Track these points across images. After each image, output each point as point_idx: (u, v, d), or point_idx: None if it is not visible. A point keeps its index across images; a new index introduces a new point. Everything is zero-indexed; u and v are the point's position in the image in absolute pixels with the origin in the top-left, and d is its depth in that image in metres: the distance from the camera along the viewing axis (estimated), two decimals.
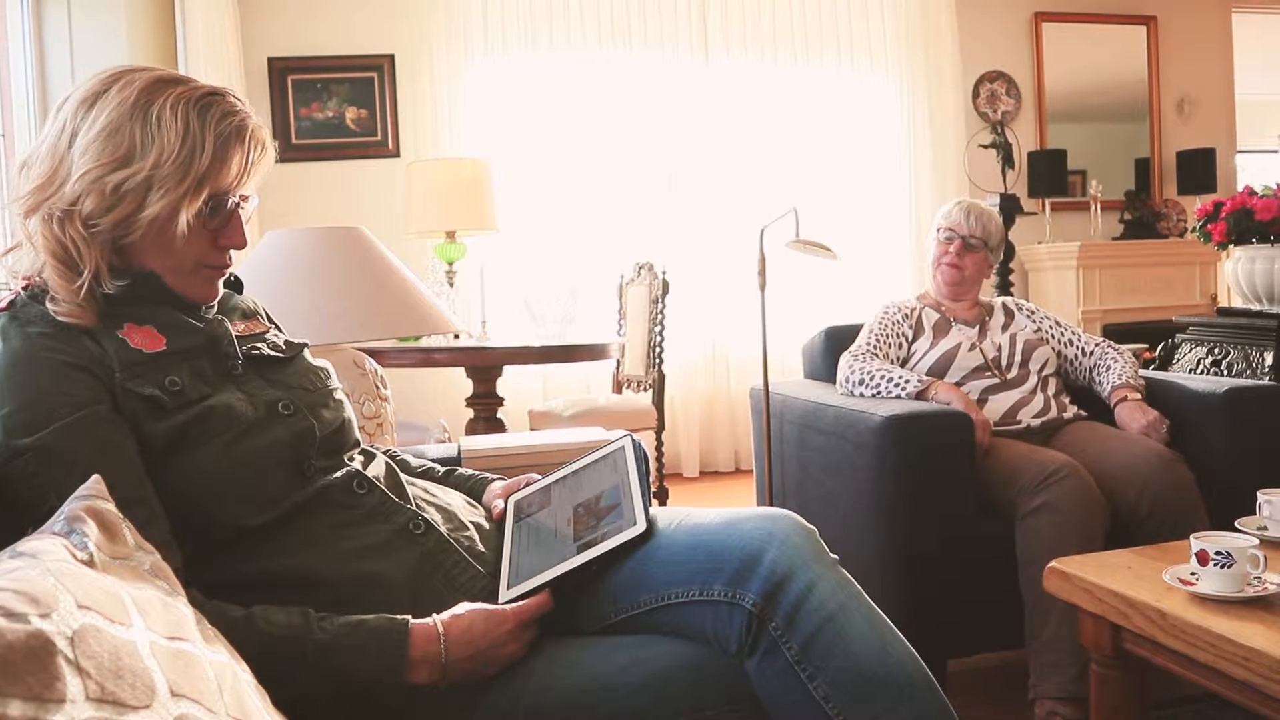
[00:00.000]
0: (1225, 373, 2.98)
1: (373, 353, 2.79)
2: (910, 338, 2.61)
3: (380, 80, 4.69)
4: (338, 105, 4.68)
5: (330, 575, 1.15)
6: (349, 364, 2.16)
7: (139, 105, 1.13)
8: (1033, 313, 2.71)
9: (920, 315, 2.64)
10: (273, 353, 1.30)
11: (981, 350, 2.54)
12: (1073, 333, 2.69)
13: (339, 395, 1.34)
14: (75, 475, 0.94)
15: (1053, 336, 2.66)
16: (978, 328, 2.61)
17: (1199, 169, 5.55)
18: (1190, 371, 3.10)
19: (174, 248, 1.17)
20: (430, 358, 3.35)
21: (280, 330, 1.41)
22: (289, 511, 1.16)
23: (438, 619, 1.11)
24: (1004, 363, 2.54)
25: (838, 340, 2.78)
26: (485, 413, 3.55)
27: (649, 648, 1.16)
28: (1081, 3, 5.56)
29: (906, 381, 2.40)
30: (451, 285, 3.82)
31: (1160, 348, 3.32)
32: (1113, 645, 1.63)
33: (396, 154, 4.68)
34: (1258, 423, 2.43)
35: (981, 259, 2.67)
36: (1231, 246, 3.15)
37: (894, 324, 2.62)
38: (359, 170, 4.67)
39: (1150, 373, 2.72)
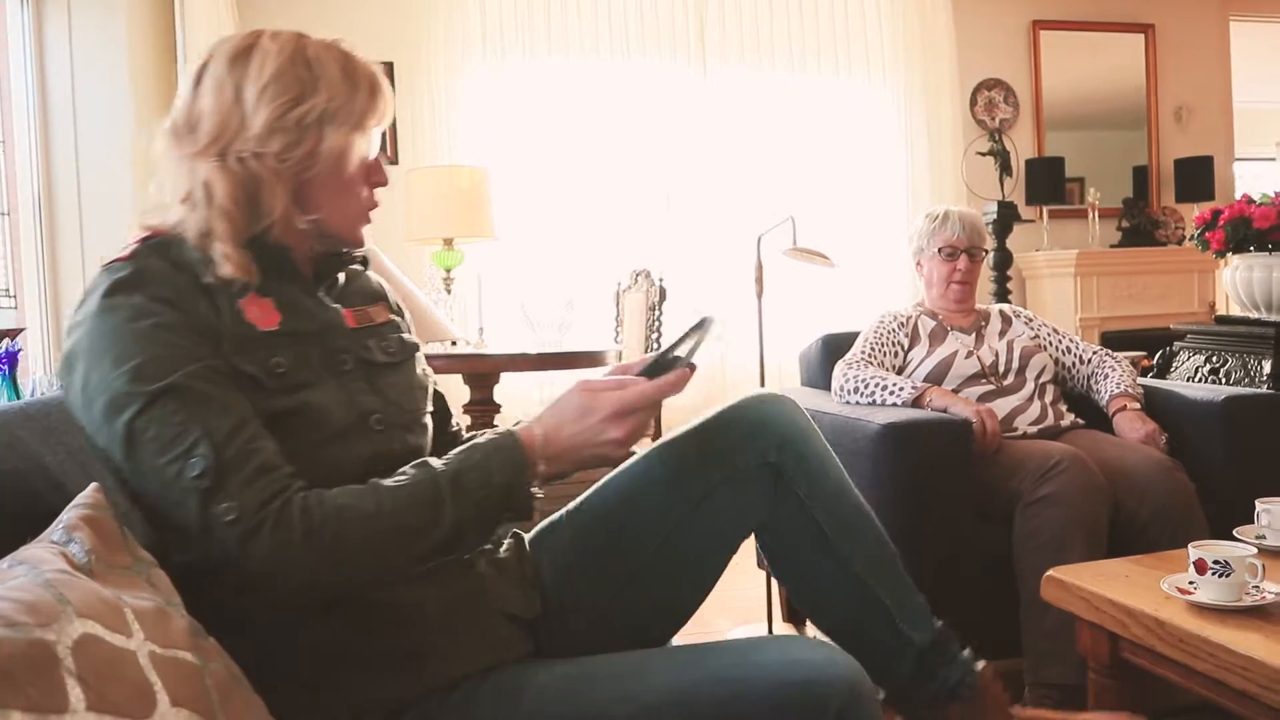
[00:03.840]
0: (1224, 381, 2.98)
1: None
2: (906, 346, 2.61)
3: None
4: None
5: (364, 594, 1.13)
6: None
7: (296, 51, 1.20)
8: (1030, 320, 2.72)
9: (916, 323, 2.64)
10: (384, 358, 1.28)
11: (978, 357, 2.54)
12: (1070, 340, 2.69)
13: (426, 420, 1.32)
14: (214, 409, 1.03)
15: (1050, 344, 2.66)
16: (974, 335, 2.62)
17: (1197, 177, 5.56)
18: (1188, 380, 3.11)
19: (347, 185, 1.23)
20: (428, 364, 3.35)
21: (402, 317, 1.40)
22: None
23: (531, 421, 1.17)
24: (1001, 369, 2.54)
25: (835, 348, 2.78)
26: (482, 419, 3.55)
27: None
28: (1079, 11, 5.58)
29: (901, 388, 2.40)
30: (449, 293, 3.82)
31: (1158, 356, 3.33)
32: (1111, 654, 1.63)
33: (395, 161, 4.68)
34: (1256, 431, 2.43)
35: (980, 264, 2.68)
36: (1230, 254, 3.16)
37: (889, 332, 2.62)
38: None
39: (1148, 381, 2.73)
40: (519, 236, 4.61)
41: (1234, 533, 1.80)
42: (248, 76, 1.17)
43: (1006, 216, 4.75)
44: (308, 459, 1.11)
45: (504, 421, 3.50)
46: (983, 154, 5.24)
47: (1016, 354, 2.56)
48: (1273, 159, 8.86)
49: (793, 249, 2.77)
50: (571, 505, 1.41)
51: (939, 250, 2.66)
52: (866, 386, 2.45)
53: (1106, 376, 2.57)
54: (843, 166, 5.07)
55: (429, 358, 3.37)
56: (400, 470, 1.12)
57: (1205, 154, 5.61)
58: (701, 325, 1.24)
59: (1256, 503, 1.82)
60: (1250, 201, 3.07)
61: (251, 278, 1.15)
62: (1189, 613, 1.47)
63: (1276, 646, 1.32)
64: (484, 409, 3.56)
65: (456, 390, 3.80)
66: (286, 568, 1.01)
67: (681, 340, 1.23)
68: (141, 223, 1.19)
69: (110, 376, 1.04)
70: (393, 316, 1.36)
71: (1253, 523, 1.82)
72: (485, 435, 1.18)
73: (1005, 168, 5.15)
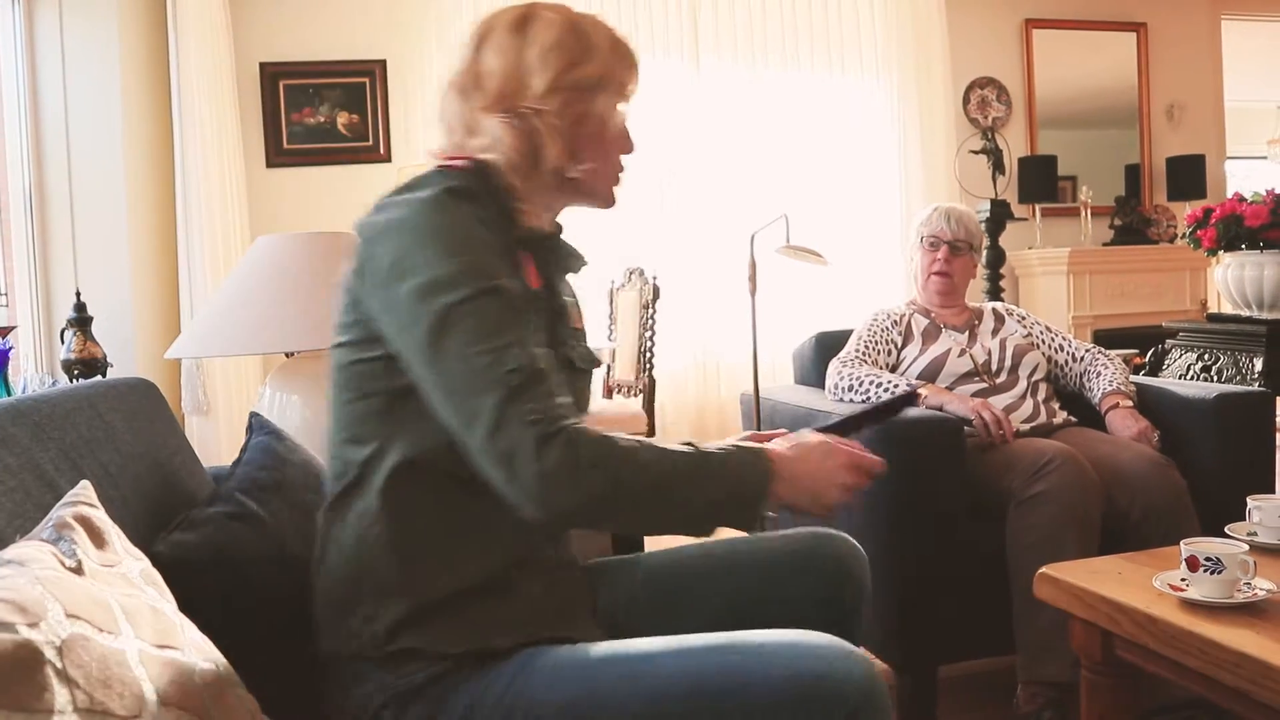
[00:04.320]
0: (1215, 378, 2.99)
1: None
2: (899, 344, 2.61)
3: (372, 85, 4.68)
4: (329, 110, 4.67)
5: (486, 564, 1.20)
6: None
7: (571, 22, 1.30)
8: (1023, 318, 2.72)
9: (910, 321, 2.64)
10: (580, 363, 1.37)
11: (971, 355, 2.54)
12: (1063, 339, 2.69)
13: None
14: (525, 324, 1.15)
15: (1043, 342, 2.67)
16: (967, 333, 2.62)
17: (1189, 175, 5.57)
18: (1180, 377, 3.12)
19: (607, 148, 1.36)
20: None
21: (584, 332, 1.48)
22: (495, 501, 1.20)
23: (774, 445, 1.25)
24: (993, 368, 2.54)
25: (828, 346, 2.78)
26: None
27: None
28: (1072, 9, 5.58)
29: (895, 386, 2.40)
30: None
31: (1150, 353, 3.34)
32: (1103, 651, 1.63)
33: (388, 159, 4.67)
34: (1247, 428, 2.43)
35: (968, 261, 2.68)
36: (1221, 253, 3.17)
37: (883, 330, 2.63)
38: (351, 176, 4.66)
39: (1140, 379, 2.73)
40: None
41: (1226, 530, 1.80)
42: (529, 41, 1.27)
43: (999, 215, 4.76)
44: None
45: None
46: (975, 152, 5.24)
47: (1009, 352, 2.57)
48: (1264, 157, 8.89)
49: (786, 247, 2.77)
50: (645, 554, 1.49)
51: (921, 239, 2.67)
52: (861, 384, 2.45)
53: (1099, 374, 2.57)
54: (836, 164, 5.07)
55: None
56: (661, 441, 1.20)
57: (1197, 152, 5.62)
58: (907, 399, 1.50)
59: (1248, 500, 1.82)
60: (1242, 200, 3.09)
61: (549, 227, 1.34)
62: (1181, 609, 1.47)
63: (1268, 643, 1.33)
64: None
65: None
66: (566, 484, 1.07)
67: (880, 410, 1.39)
68: (443, 153, 1.30)
69: (437, 260, 1.12)
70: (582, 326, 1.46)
71: (1244, 520, 1.83)
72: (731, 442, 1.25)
73: (998, 166, 5.15)
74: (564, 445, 1.07)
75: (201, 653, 0.79)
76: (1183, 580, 1.50)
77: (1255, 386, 2.79)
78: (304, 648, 1.24)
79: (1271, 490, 2.47)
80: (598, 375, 4.41)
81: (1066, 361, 2.65)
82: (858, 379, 2.46)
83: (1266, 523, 1.77)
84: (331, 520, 1.22)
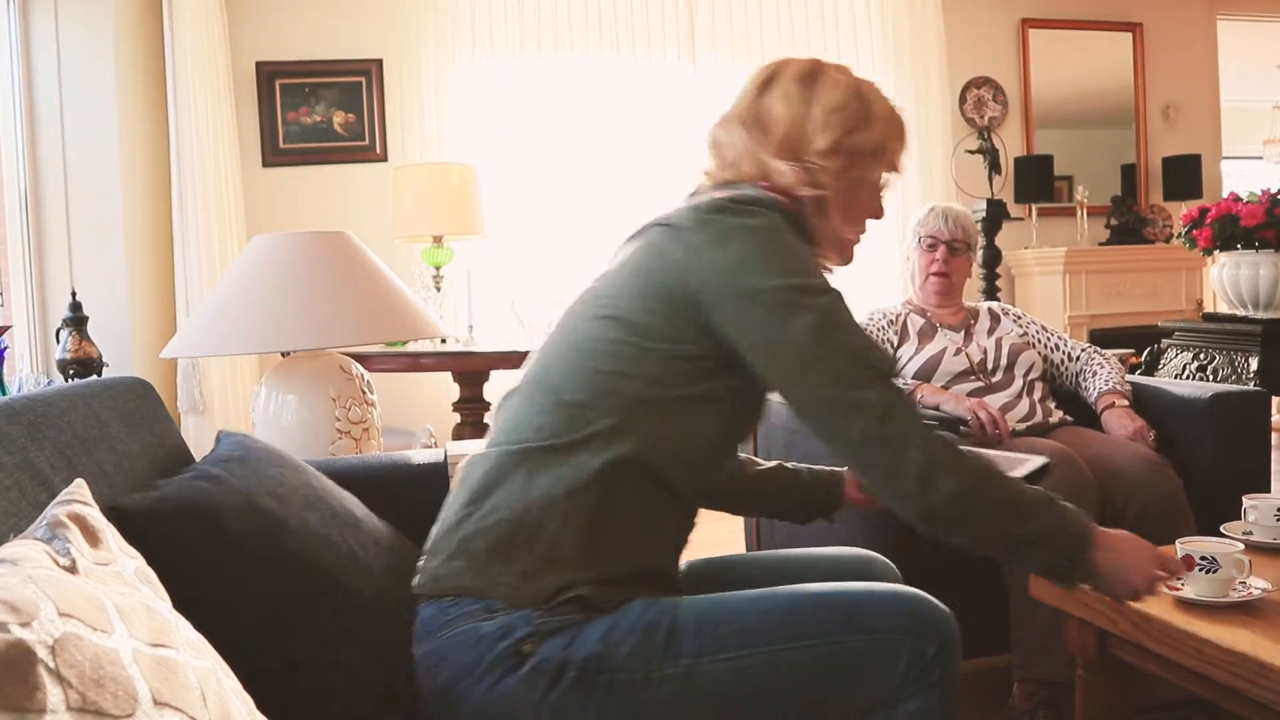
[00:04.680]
0: (1211, 378, 3.00)
1: (359, 358, 2.79)
2: (895, 343, 2.61)
3: (368, 85, 4.68)
4: (325, 110, 4.67)
5: (654, 556, 1.29)
6: (335, 368, 2.15)
7: (856, 86, 1.37)
8: (1019, 318, 2.72)
9: (905, 321, 2.64)
10: None
11: (967, 354, 2.54)
12: (1059, 338, 2.69)
13: None
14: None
15: (1039, 341, 2.67)
16: (963, 332, 2.62)
17: (1185, 175, 5.58)
18: (1176, 377, 3.12)
19: (862, 214, 1.42)
20: (417, 362, 3.35)
21: None
22: (678, 504, 1.30)
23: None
24: (989, 366, 2.54)
25: None
26: (472, 417, 3.55)
27: None
28: (1068, 9, 5.59)
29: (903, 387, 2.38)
30: (438, 290, 3.82)
31: (1146, 353, 3.34)
32: (1099, 650, 1.63)
33: (384, 158, 4.67)
34: (1243, 427, 2.44)
35: (965, 261, 2.67)
36: (1217, 252, 3.18)
37: (879, 330, 2.62)
38: (347, 175, 4.66)
39: (1136, 378, 2.73)
40: (509, 234, 4.60)
41: (1221, 529, 1.81)
42: (816, 97, 1.34)
43: (995, 214, 4.76)
44: (724, 431, 1.32)
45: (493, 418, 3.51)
46: (972, 152, 5.24)
47: (1005, 351, 2.57)
48: (1260, 157, 8.90)
49: None
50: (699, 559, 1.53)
51: (919, 239, 2.66)
52: None
53: (1095, 374, 2.57)
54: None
55: (419, 355, 3.37)
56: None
57: (1193, 152, 5.63)
58: (1042, 471, 1.60)
59: (1244, 499, 1.82)
60: (1237, 200, 3.09)
61: (843, 262, 1.42)
62: (1176, 609, 1.47)
63: (1263, 641, 1.33)
64: (473, 406, 3.55)
65: (446, 388, 3.80)
66: (949, 473, 1.16)
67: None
68: (723, 177, 1.40)
69: (801, 268, 1.24)
70: None
71: (1240, 519, 1.83)
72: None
73: (994, 166, 5.15)
74: (941, 440, 1.18)
75: (196, 651, 0.79)
76: (1178, 580, 1.50)
77: (1251, 386, 2.79)
78: (280, 603, 1.22)
79: (1267, 489, 2.47)
80: None
81: (1062, 361, 2.65)
82: None
83: (1262, 521, 1.78)
84: (521, 466, 1.23)
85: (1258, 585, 1.49)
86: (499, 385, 3.98)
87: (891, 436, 1.16)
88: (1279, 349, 2.85)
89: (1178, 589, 1.49)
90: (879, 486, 1.19)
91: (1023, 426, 2.43)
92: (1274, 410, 2.70)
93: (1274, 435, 2.62)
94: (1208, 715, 2.03)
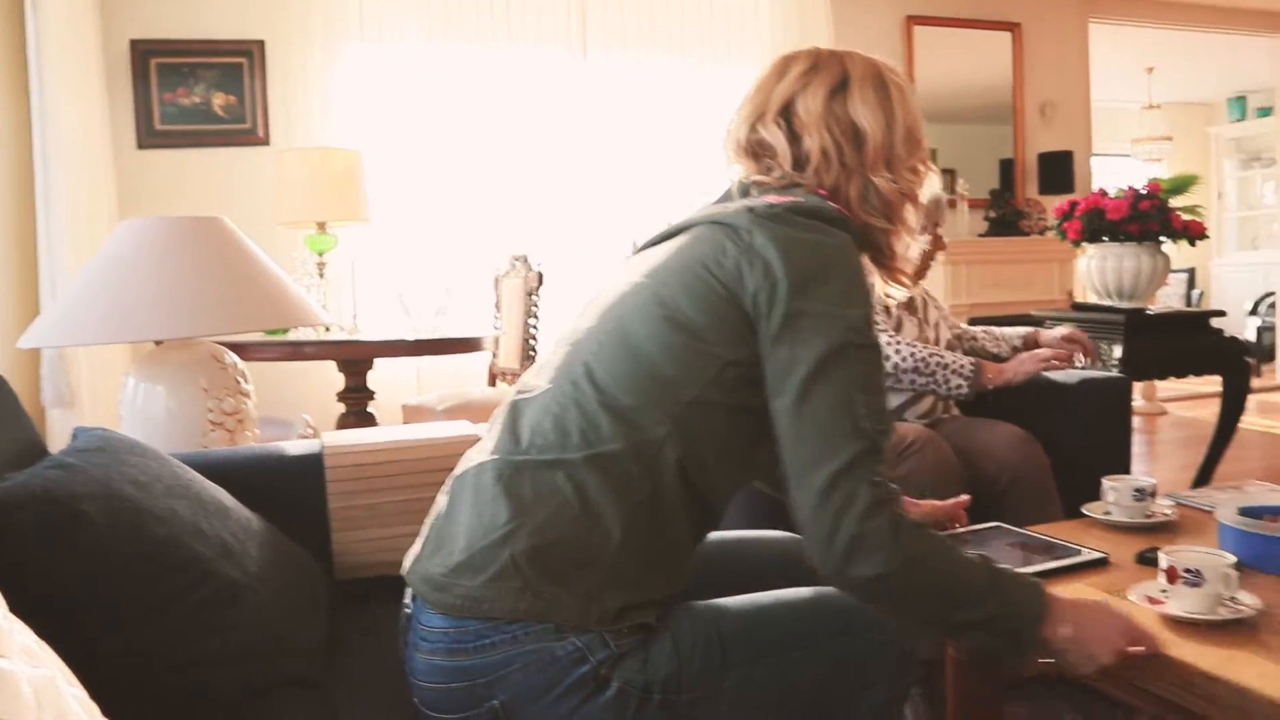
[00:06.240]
0: (1080, 364, 3.11)
1: (238, 346, 2.70)
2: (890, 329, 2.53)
3: (250, 66, 4.53)
4: (205, 91, 4.50)
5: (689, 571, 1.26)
6: (207, 358, 2.08)
7: (909, 93, 1.37)
8: (938, 304, 2.78)
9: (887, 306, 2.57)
10: None
11: (926, 340, 2.59)
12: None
13: None
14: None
15: (946, 319, 2.76)
16: (917, 320, 2.64)
17: (1059, 170, 5.79)
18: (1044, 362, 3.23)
19: (917, 229, 1.44)
20: (299, 351, 3.26)
21: None
22: (726, 504, 1.29)
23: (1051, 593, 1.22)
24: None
25: None
26: (356, 406, 3.47)
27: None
28: (951, 8, 5.73)
29: (962, 368, 2.34)
30: (322, 277, 3.73)
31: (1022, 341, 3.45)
32: None
33: (266, 142, 4.53)
34: (1107, 411, 2.56)
35: None
36: (1086, 244, 3.30)
37: (874, 300, 2.54)
38: (227, 158, 4.50)
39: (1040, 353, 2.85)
40: (395, 221, 4.52)
41: (1083, 509, 1.88)
42: (895, 113, 1.33)
43: None
44: (754, 445, 1.23)
45: (378, 409, 3.45)
46: None
47: (943, 340, 2.64)
48: (1128, 155, 9.29)
49: None
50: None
51: (935, 226, 2.56)
52: (927, 366, 2.35)
53: (999, 333, 2.73)
54: (722, 154, 5.09)
55: (301, 344, 3.28)
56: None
57: (1066, 149, 5.85)
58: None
59: (1104, 480, 1.89)
60: (1105, 195, 3.22)
61: (916, 280, 1.40)
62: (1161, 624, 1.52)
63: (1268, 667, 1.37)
64: (358, 396, 3.48)
65: (330, 377, 3.71)
66: (873, 556, 1.08)
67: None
68: (778, 181, 1.33)
69: (851, 297, 1.18)
70: None
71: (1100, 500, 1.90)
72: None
73: None
74: (890, 519, 1.09)
75: (32, 659, 0.75)
76: (1163, 592, 1.39)
77: (1114, 372, 2.91)
78: (147, 596, 1.18)
79: (1127, 470, 2.60)
80: (482, 363, 4.38)
81: (960, 336, 2.76)
82: (923, 360, 2.35)
83: (1121, 502, 1.85)
84: (570, 477, 1.15)
85: (1246, 602, 1.37)
86: (384, 373, 3.93)
87: (843, 497, 1.09)
88: (1141, 337, 2.98)
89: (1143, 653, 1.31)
90: (808, 537, 1.12)
91: (925, 422, 2.50)
92: (1135, 395, 2.82)
93: (1135, 419, 2.75)
94: (1072, 689, 2.12)
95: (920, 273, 2.60)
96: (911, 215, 1.36)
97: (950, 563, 1.15)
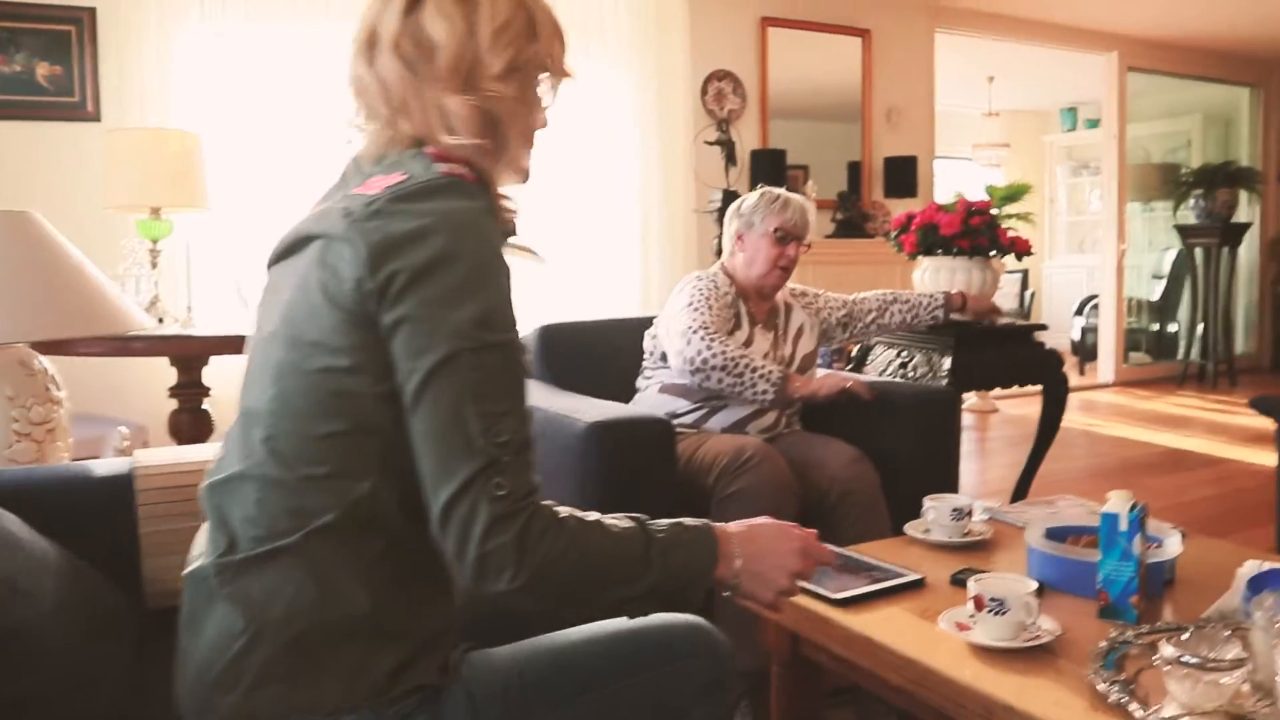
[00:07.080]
0: (911, 375, 3.23)
1: (60, 343, 2.56)
2: (731, 329, 2.55)
3: (79, 35, 4.26)
4: (26, 59, 4.22)
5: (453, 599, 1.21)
6: (13, 364, 1.95)
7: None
8: (803, 294, 2.82)
9: (739, 306, 2.61)
10: None
11: (777, 358, 2.63)
12: (839, 299, 2.87)
13: None
14: (524, 383, 1.08)
15: (826, 307, 2.84)
16: (773, 334, 2.67)
17: (903, 174, 5.99)
18: (880, 374, 3.34)
19: (532, 134, 1.24)
20: (128, 346, 3.10)
21: None
22: None
23: (724, 525, 1.20)
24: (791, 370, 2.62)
25: (556, 340, 2.78)
26: (190, 403, 3.34)
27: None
28: (805, 11, 5.84)
29: (771, 373, 2.38)
30: (155, 266, 3.55)
31: (857, 348, 3.56)
32: (792, 651, 1.73)
33: (97, 118, 4.27)
34: (936, 424, 2.65)
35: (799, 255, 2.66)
36: (920, 257, 3.43)
37: (725, 305, 2.56)
38: (54, 134, 4.23)
39: (848, 373, 2.93)
40: (235, 209, 4.33)
41: (905, 529, 1.96)
42: (480, 14, 1.15)
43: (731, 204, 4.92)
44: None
45: (213, 405, 3.32)
46: (710, 143, 5.40)
47: (800, 357, 2.68)
48: (969, 159, 9.70)
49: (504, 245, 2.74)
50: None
51: (773, 230, 2.59)
52: (735, 366, 2.37)
53: (905, 297, 2.93)
54: (574, 150, 5.05)
55: (130, 339, 3.12)
56: (614, 515, 1.14)
57: (910, 154, 6.05)
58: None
59: (925, 500, 1.96)
60: (940, 209, 3.34)
61: (523, 181, 1.24)
62: (841, 613, 1.58)
63: (894, 632, 1.44)
64: (192, 392, 3.35)
65: (162, 373, 3.54)
66: (506, 564, 1.02)
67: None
68: (383, 140, 1.18)
69: (467, 293, 1.04)
70: None
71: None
72: (689, 520, 1.20)
73: (731, 157, 5.33)
74: (521, 528, 1.02)
75: None
76: (970, 618, 1.44)
77: (944, 384, 3.03)
78: None
79: (955, 482, 2.70)
80: None
81: (852, 311, 2.85)
82: (732, 359, 2.37)
83: (939, 521, 1.93)
84: (296, 561, 1.07)
85: (1045, 627, 1.43)
86: (221, 367, 3.77)
87: (463, 517, 1.01)
88: (968, 350, 3.11)
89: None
90: (449, 558, 1.05)
91: (763, 436, 2.53)
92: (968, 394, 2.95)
93: (968, 417, 2.87)
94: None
95: (777, 285, 2.66)
96: (513, 134, 1.19)
97: (596, 550, 1.08)
